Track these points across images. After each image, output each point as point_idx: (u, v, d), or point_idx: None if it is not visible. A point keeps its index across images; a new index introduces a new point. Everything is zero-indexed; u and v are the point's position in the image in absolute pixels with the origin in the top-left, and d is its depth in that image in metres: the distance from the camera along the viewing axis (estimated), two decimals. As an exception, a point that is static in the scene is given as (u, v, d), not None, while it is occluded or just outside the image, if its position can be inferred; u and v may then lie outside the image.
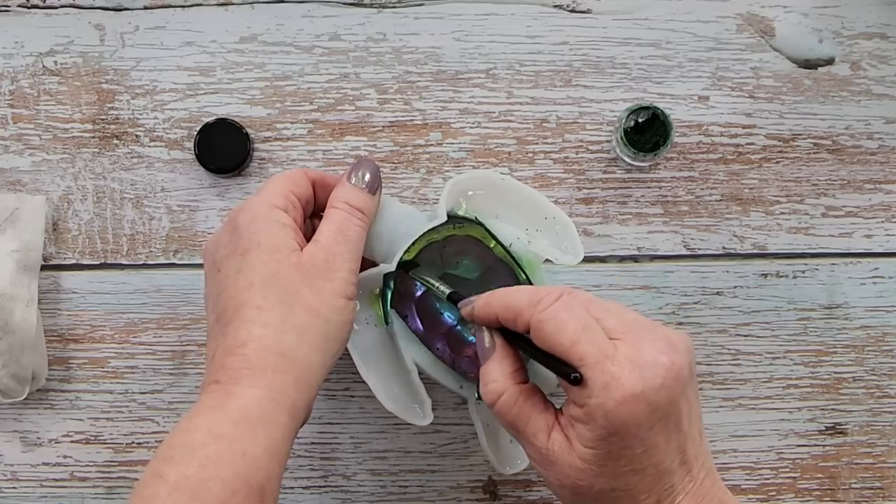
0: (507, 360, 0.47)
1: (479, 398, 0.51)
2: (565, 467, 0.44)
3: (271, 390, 0.45)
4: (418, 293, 0.56)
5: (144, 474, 0.44)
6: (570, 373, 0.43)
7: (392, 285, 0.55)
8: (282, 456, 0.45)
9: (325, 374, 0.49)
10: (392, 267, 0.53)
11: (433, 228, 0.54)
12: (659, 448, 0.43)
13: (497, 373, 0.46)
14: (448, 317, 0.57)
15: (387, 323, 0.55)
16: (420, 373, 0.55)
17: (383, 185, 0.54)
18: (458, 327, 0.56)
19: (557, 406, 0.47)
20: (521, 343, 0.47)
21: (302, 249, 0.50)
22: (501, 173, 0.56)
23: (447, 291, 0.52)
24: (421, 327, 0.56)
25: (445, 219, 0.53)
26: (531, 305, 0.44)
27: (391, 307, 0.56)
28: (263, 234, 0.49)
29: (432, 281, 0.54)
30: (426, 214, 0.55)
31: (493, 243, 0.56)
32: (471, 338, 0.56)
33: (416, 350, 0.55)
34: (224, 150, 0.62)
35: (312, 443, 0.64)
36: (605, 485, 0.43)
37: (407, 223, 0.54)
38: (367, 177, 0.53)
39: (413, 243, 0.54)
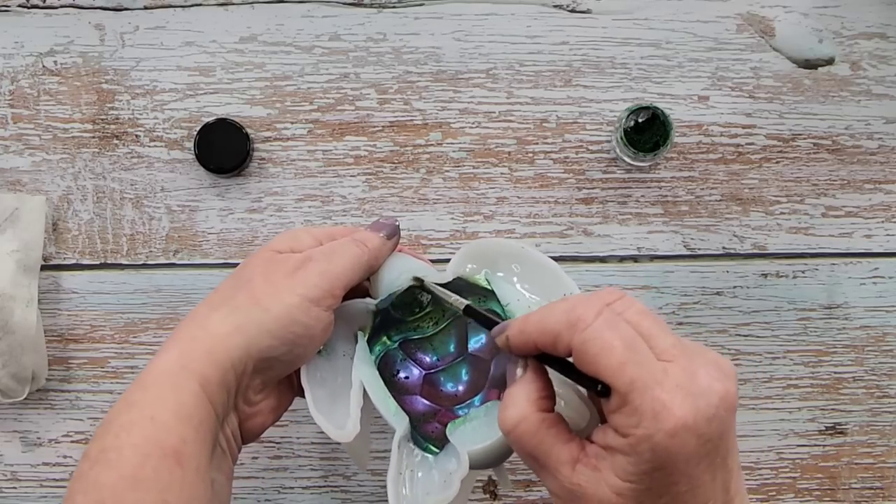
0: (534, 384, 0.43)
1: (412, 434, 0.49)
2: (593, 502, 0.40)
3: (182, 356, 0.46)
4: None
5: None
6: (597, 384, 0.39)
7: (375, 323, 0.53)
8: (195, 421, 0.44)
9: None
10: (372, 303, 0.52)
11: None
12: (704, 487, 0.39)
13: (520, 398, 0.42)
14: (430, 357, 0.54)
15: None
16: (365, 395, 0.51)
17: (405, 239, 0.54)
18: (437, 372, 0.54)
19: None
20: (554, 362, 0.43)
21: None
22: (522, 244, 0.52)
23: (464, 303, 0.48)
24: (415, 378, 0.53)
25: (451, 278, 0.51)
26: (570, 326, 0.40)
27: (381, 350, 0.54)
28: (275, 240, 0.51)
29: (447, 293, 0.50)
30: (442, 274, 0.52)
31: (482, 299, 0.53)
32: (448, 385, 0.54)
33: (367, 371, 0.51)
34: (224, 150, 0.62)
35: (312, 443, 0.64)
36: None
37: (412, 275, 0.51)
38: (386, 228, 0.53)
39: (405, 290, 0.51)
